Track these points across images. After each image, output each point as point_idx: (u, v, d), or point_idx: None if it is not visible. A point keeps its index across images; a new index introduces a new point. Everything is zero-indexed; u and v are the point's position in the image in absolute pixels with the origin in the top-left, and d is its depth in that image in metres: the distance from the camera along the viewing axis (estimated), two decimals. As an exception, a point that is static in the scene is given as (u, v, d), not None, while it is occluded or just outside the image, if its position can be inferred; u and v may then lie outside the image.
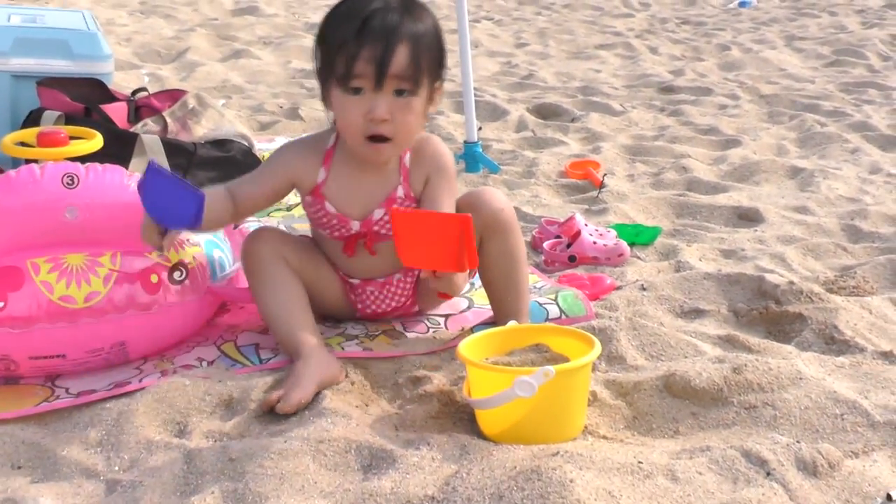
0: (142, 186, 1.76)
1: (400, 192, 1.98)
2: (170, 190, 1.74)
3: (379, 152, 1.92)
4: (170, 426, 1.72)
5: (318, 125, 4.10)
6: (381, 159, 1.95)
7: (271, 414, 1.74)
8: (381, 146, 1.91)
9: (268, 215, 2.84)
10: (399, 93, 1.86)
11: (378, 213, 1.98)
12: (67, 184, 1.81)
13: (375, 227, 1.99)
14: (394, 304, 2.10)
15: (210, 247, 2.06)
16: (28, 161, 2.51)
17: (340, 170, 1.99)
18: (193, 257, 1.97)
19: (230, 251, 2.16)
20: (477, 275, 2.09)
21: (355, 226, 1.99)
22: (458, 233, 1.64)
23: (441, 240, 1.64)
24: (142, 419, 1.71)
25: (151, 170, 1.74)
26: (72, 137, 2.53)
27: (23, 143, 2.56)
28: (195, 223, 1.76)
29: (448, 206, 1.95)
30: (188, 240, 2.00)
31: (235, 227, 2.36)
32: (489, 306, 2.10)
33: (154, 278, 1.89)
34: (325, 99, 1.94)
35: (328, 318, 2.11)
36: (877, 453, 1.64)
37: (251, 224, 2.34)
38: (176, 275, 1.92)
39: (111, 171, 1.87)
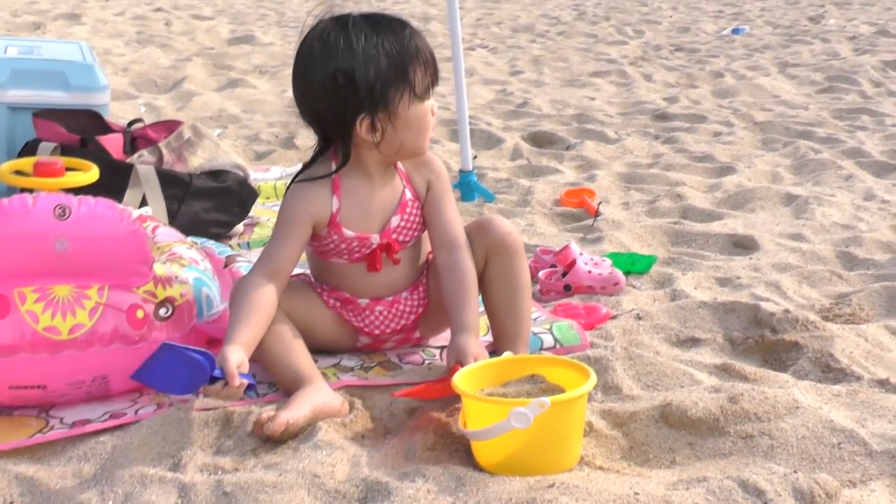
0: (150, 365, 1.71)
1: (408, 194, 2.06)
2: (182, 362, 1.70)
3: None
4: (164, 460, 1.71)
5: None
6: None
7: (266, 446, 1.73)
8: None
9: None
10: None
11: (395, 221, 2.04)
12: (59, 215, 1.81)
13: (394, 235, 2.04)
14: (402, 322, 2.10)
15: (199, 284, 2.05)
16: (23, 190, 2.51)
17: (352, 192, 2.02)
18: (181, 294, 1.96)
19: (219, 290, 2.15)
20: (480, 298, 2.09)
21: (375, 239, 2.03)
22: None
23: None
24: (136, 453, 1.70)
25: (167, 348, 1.71)
26: (68, 169, 2.53)
27: (19, 172, 2.56)
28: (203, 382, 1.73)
29: (451, 211, 2.07)
30: (177, 277, 1.99)
31: (226, 266, 2.35)
32: (485, 337, 2.10)
33: (140, 314, 1.89)
34: (371, 126, 1.93)
35: (323, 350, 2.11)
36: (875, 482, 1.64)
37: (242, 265, 2.32)
38: (162, 311, 1.92)
39: (103, 204, 1.86)
